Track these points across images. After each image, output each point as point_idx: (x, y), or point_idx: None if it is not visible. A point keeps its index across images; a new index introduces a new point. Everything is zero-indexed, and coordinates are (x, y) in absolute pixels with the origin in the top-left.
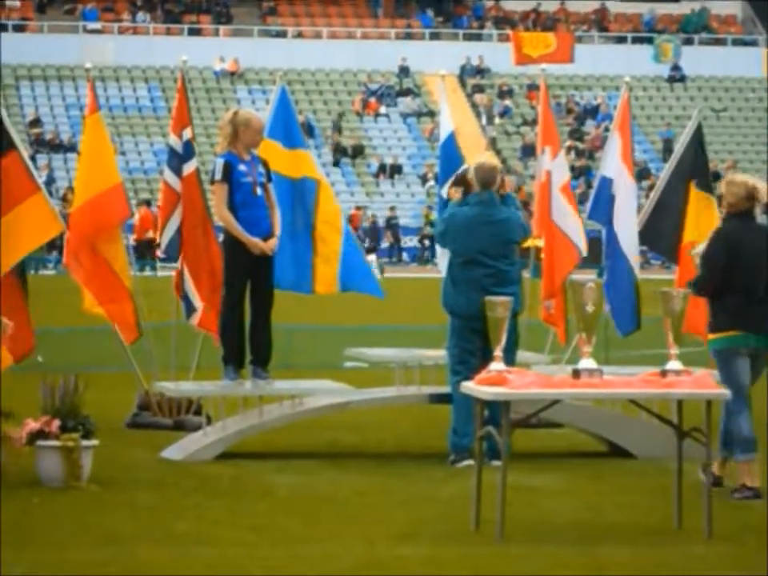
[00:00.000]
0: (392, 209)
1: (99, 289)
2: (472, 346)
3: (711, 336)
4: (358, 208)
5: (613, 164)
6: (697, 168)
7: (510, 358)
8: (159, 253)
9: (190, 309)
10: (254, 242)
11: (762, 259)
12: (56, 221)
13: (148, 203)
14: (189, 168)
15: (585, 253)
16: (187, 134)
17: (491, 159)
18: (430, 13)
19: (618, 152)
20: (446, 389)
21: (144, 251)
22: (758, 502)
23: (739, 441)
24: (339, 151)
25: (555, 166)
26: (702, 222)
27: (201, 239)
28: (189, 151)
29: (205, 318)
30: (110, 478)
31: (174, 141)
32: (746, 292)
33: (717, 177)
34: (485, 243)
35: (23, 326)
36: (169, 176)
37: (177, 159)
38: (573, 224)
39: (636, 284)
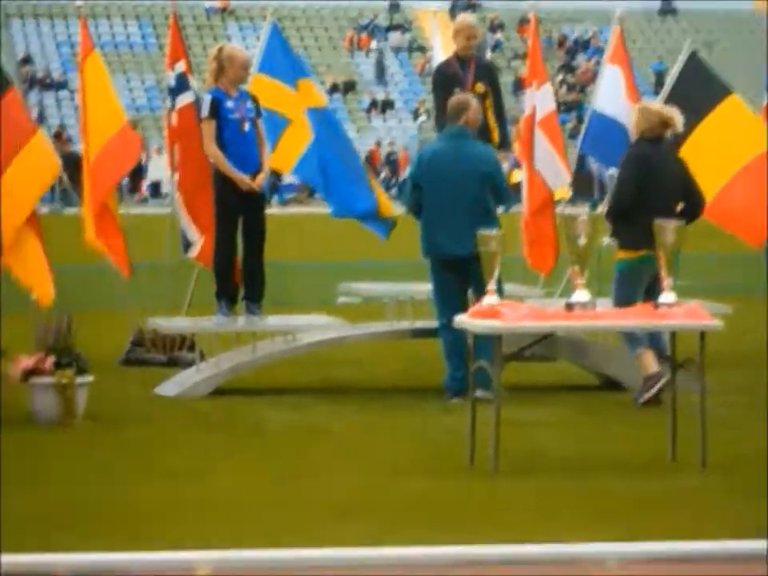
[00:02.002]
0: (390, 144)
1: (99, 224)
2: (451, 285)
3: (621, 254)
4: (377, 144)
5: (618, 104)
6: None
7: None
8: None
9: (186, 243)
10: (243, 178)
11: (672, 182)
12: (55, 162)
13: (133, 125)
14: (183, 100)
15: (565, 184)
16: (180, 66)
17: (465, 93)
18: None
19: (623, 92)
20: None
21: (133, 178)
22: (749, 434)
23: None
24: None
25: (538, 98)
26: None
27: (197, 172)
28: (182, 84)
29: (204, 251)
30: (104, 415)
31: (169, 76)
32: (656, 213)
33: None
34: (454, 178)
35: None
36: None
37: (171, 93)
38: (549, 160)
39: None
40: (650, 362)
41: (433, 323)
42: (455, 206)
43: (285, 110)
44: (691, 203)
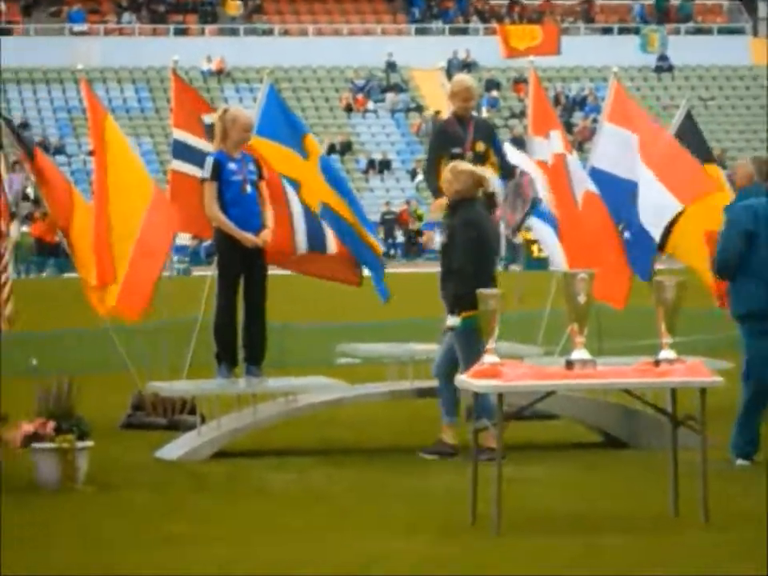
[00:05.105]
0: (387, 204)
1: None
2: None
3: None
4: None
5: (621, 160)
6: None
7: None
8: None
9: None
10: (246, 236)
11: (496, 240)
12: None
13: None
14: None
15: None
16: (210, 118)
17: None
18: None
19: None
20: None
21: None
22: (751, 489)
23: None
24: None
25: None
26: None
27: None
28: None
29: None
30: (105, 480)
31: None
32: (488, 272)
33: None
34: None
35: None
36: (181, 165)
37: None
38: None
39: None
40: (454, 436)
41: (433, 383)
42: None
43: (292, 174)
44: None
